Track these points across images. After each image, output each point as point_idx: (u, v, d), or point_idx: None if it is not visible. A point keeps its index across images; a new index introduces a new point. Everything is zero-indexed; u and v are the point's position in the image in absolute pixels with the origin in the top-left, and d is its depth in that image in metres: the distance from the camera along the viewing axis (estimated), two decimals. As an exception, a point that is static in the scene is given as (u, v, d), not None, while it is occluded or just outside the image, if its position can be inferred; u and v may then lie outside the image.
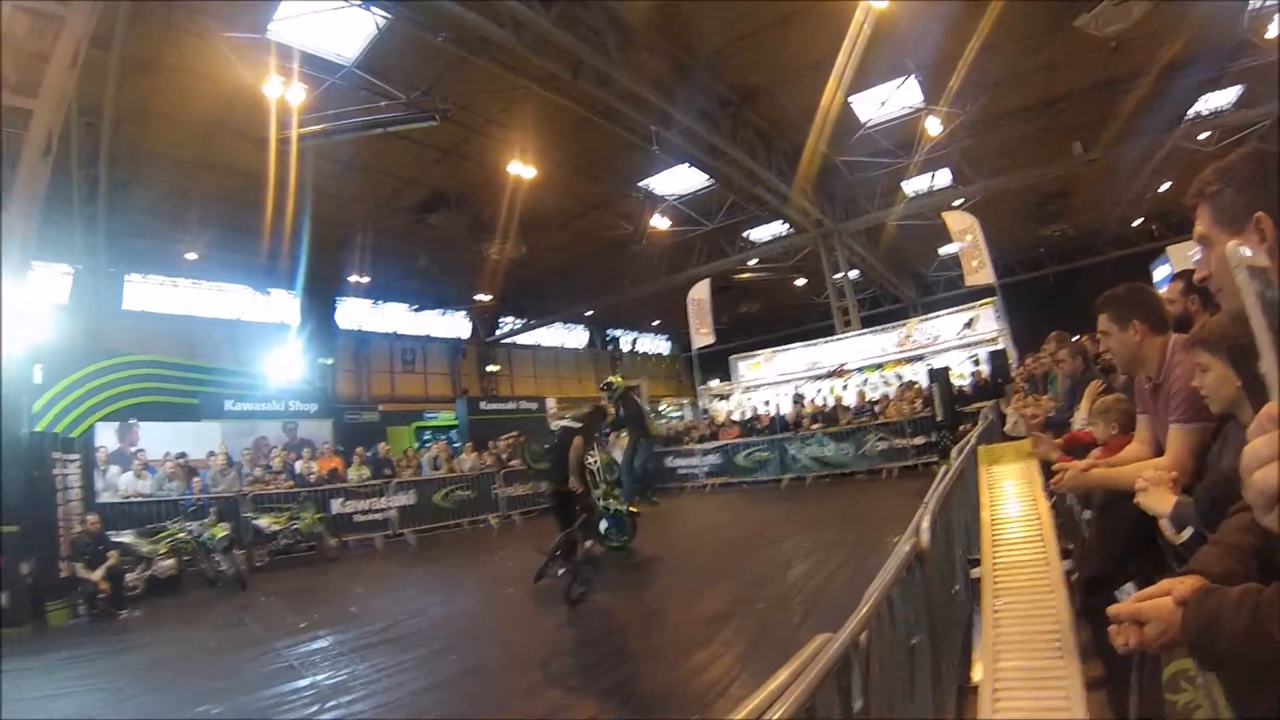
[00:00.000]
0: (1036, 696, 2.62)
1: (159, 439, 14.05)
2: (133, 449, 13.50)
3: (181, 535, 10.74)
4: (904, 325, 23.23)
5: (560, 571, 8.23)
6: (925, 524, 3.12)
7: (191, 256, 22.60)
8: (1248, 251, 1.01)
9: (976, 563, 4.21)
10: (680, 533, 13.01)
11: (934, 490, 3.92)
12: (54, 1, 10.27)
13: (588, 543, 8.32)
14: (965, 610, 4.37)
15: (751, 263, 27.66)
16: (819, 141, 17.90)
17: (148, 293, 23.50)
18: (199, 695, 5.72)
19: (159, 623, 8.85)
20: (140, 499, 11.92)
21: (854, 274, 25.29)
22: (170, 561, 10.36)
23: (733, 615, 6.74)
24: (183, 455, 13.61)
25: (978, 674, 3.07)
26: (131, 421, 14.42)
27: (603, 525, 10.29)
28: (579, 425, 9.01)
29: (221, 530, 10.88)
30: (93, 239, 17.50)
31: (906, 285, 32.54)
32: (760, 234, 26.33)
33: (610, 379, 12.44)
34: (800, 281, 30.65)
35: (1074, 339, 6.91)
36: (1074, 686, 2.61)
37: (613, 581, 8.51)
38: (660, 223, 23.62)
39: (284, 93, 14.75)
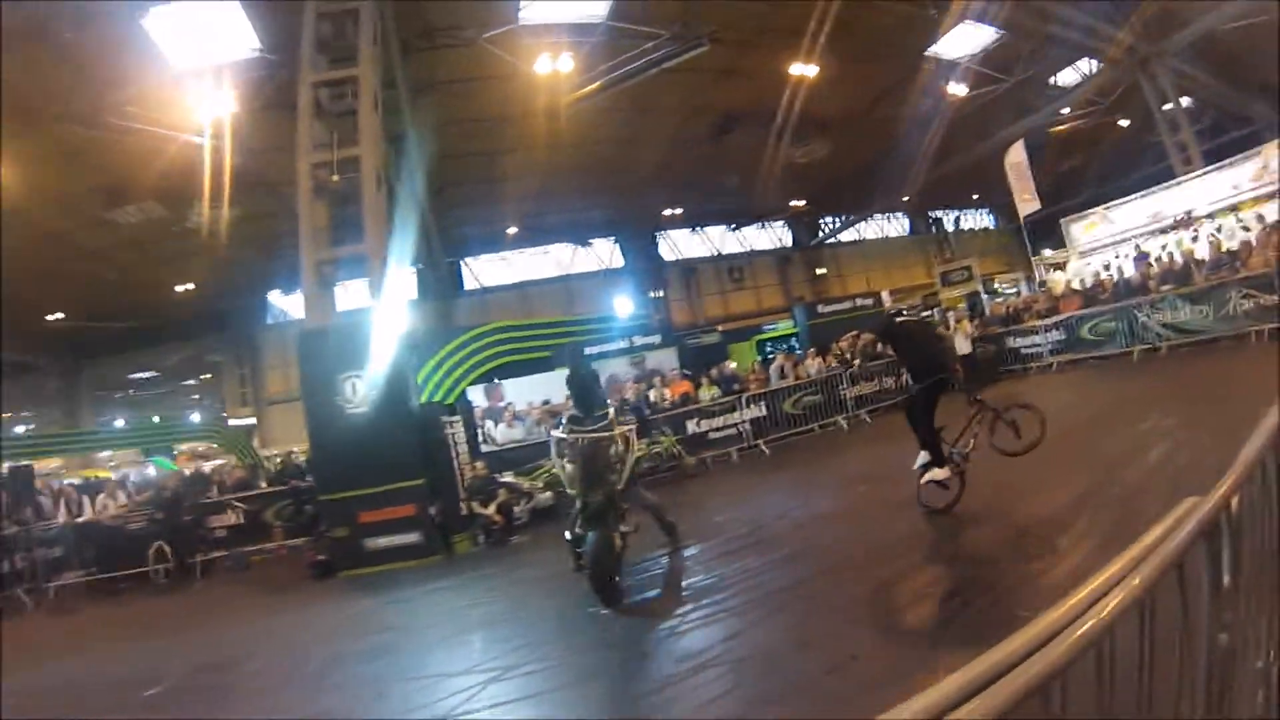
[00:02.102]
0: None
1: (522, 392, 16.04)
2: (501, 404, 15.67)
3: (555, 470, 12.28)
4: (1259, 154, 19.46)
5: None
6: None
7: (513, 231, 25.33)
8: None
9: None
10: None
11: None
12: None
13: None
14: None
15: (1064, 111, 24.96)
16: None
17: (482, 271, 26.79)
18: (583, 599, 6.60)
19: (544, 545, 10.18)
20: (515, 444, 13.84)
21: (1186, 101, 21.73)
22: (548, 494, 12.01)
23: (1085, 505, 6.41)
24: (546, 402, 15.49)
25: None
26: (495, 381, 16.51)
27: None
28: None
29: (588, 461, 12.36)
30: (426, 240, 20.26)
31: (1256, 103, 27.23)
32: (1068, 77, 23.60)
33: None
34: (1124, 122, 26.83)
35: None
36: None
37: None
38: (957, 89, 22.06)
39: (554, 66, 15.94)
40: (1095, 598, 1.61)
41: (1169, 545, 1.75)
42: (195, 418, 31.44)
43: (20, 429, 29.11)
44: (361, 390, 11.06)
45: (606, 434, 7.09)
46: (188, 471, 18.49)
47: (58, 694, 6.88)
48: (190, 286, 24.33)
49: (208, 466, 20.99)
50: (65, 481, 19.41)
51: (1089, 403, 12.33)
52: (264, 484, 14.86)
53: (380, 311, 11.78)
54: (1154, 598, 1.72)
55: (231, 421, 28.17)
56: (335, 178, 12.25)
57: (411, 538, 10.86)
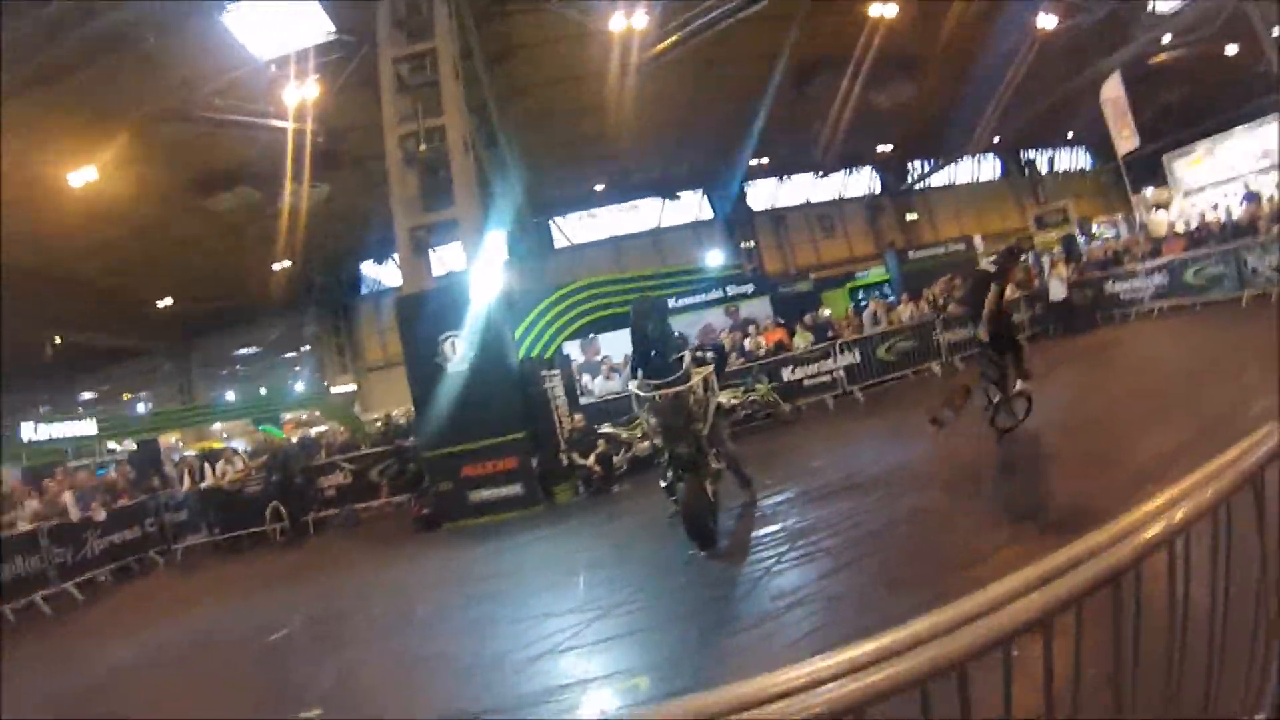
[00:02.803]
0: None
1: (618, 345, 15.65)
2: (597, 358, 16.05)
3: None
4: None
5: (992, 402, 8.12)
6: None
7: (599, 187, 25.61)
8: None
9: None
10: (1122, 365, 12.09)
11: None
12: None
13: (1020, 382, 8.08)
14: None
15: (1165, 40, 23.41)
16: None
17: (571, 229, 27.26)
18: (681, 543, 6.82)
19: (643, 493, 10.42)
20: (612, 396, 13.96)
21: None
22: (645, 444, 11.86)
23: (1181, 455, 5.93)
24: (640, 354, 15.64)
25: None
26: (590, 336, 16.91)
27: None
28: (994, 269, 8.45)
29: (685, 411, 12.53)
30: (515, 202, 20.62)
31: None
32: (1167, 3, 22.01)
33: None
34: (1231, 49, 24.63)
35: None
36: None
37: (1053, 419, 8.33)
38: (1047, 21, 21.00)
39: (628, 22, 16.00)
40: (1168, 506, 1.70)
41: (1244, 463, 1.80)
42: (299, 388, 32.85)
43: (140, 408, 31.10)
44: (461, 349, 11.54)
45: (683, 385, 6.85)
46: (295, 439, 19.48)
47: (191, 642, 7.61)
48: (287, 264, 25.36)
49: (314, 432, 22.07)
50: (185, 453, 20.79)
51: (1191, 353, 11.77)
52: (362, 446, 15.67)
53: (475, 273, 12.26)
54: (1229, 511, 1.80)
55: (333, 389, 29.44)
56: (423, 147, 12.73)
57: (513, 489, 11.38)
